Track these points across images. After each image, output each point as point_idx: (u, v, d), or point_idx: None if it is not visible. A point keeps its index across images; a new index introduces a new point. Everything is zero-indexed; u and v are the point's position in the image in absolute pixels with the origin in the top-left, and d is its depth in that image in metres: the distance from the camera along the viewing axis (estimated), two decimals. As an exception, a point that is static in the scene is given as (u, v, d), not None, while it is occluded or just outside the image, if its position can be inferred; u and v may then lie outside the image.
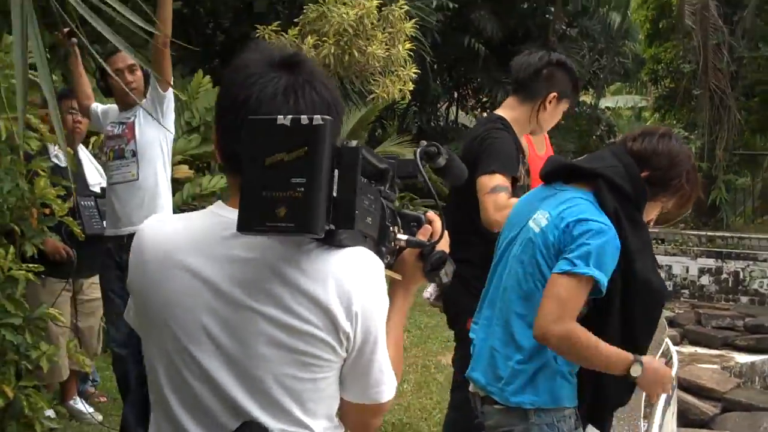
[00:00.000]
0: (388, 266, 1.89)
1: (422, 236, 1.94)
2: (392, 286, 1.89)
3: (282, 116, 1.63)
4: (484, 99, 20.74)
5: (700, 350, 12.89)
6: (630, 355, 2.94)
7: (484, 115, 21.53)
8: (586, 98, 21.19)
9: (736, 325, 13.63)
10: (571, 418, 3.09)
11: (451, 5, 15.24)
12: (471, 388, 3.31)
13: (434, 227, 1.95)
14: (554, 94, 4.00)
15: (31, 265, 4.22)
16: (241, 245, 1.75)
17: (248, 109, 1.73)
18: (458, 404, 4.26)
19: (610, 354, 2.94)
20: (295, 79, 1.78)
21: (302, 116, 1.61)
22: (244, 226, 1.64)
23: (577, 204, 3.04)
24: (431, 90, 16.43)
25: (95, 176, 5.92)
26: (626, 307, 3.03)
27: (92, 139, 7.01)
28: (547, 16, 19.70)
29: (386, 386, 1.85)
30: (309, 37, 8.36)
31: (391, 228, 1.88)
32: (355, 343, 1.76)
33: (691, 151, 3.33)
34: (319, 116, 1.62)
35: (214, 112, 1.90)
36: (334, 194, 1.64)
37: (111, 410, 6.10)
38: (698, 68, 16.50)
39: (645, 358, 2.99)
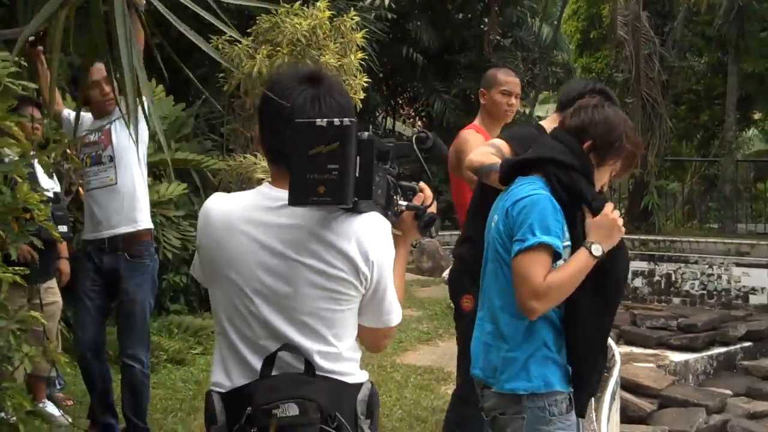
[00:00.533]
0: (393, 225, 2.52)
1: (417, 202, 2.58)
2: (395, 240, 2.51)
3: (319, 119, 2.22)
4: (420, 108, 21.00)
5: (636, 350, 13.18)
6: (582, 249, 3.13)
7: (419, 123, 21.88)
8: (521, 107, 21.58)
9: (669, 325, 13.93)
10: (563, 402, 3.23)
11: (389, 15, 15.46)
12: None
13: (425, 194, 2.60)
14: None
15: (17, 269, 4.33)
16: (286, 214, 2.34)
17: (284, 116, 2.35)
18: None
19: (574, 267, 3.12)
20: (318, 90, 2.41)
21: (335, 119, 2.21)
22: (294, 201, 2.22)
23: (513, 190, 3.27)
24: (370, 99, 16.62)
25: (48, 182, 6.02)
26: (599, 275, 3.19)
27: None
28: (482, 26, 20.02)
29: (395, 314, 2.52)
30: (263, 47, 8.50)
31: (394, 197, 2.49)
32: (371, 282, 2.40)
33: (625, 114, 3.53)
34: (347, 119, 2.21)
35: (258, 118, 2.54)
36: (357, 174, 2.22)
37: (78, 412, 6.18)
38: (630, 77, 16.92)
39: (590, 235, 3.16)
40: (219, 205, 2.47)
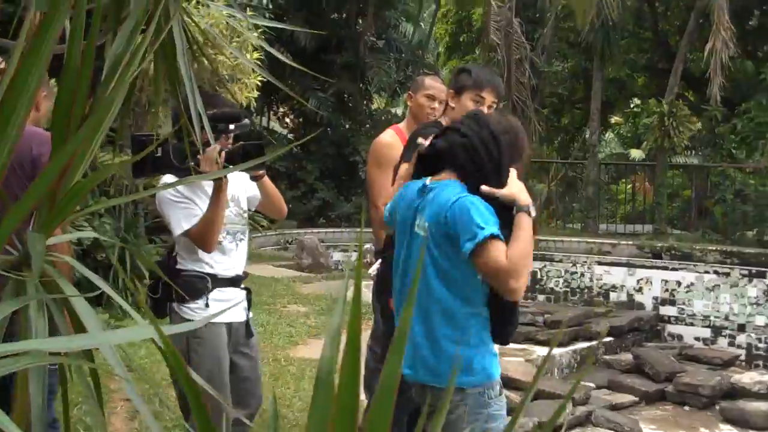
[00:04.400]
0: (198, 171, 4.07)
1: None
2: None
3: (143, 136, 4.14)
4: (296, 105, 21.08)
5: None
6: (521, 215, 3.34)
7: (287, 120, 21.99)
8: (393, 108, 21.99)
9: (536, 321, 14.38)
10: (497, 385, 3.50)
11: (267, 15, 15.58)
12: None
13: (204, 157, 4.11)
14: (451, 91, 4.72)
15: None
16: None
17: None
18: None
19: (524, 233, 3.30)
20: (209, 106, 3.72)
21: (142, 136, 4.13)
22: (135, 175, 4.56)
23: (436, 196, 3.48)
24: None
25: None
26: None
27: None
28: (357, 27, 20.33)
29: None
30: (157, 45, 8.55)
31: (186, 161, 4.02)
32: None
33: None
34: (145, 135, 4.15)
35: None
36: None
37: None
38: (502, 81, 17.37)
39: (519, 200, 3.37)
40: None
